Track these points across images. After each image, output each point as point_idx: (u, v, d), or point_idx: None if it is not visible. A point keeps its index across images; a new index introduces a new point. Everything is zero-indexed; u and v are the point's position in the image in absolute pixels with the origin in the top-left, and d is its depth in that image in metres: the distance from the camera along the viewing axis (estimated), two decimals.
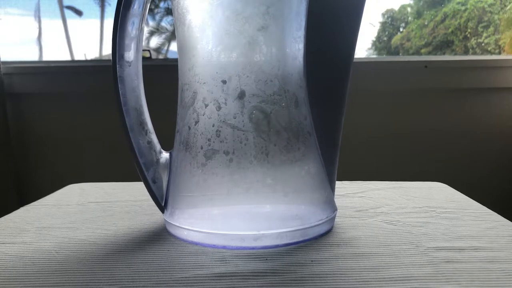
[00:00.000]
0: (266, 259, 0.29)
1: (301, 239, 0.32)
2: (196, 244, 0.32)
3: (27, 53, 1.24)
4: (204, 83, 0.31)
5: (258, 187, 0.31)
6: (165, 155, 0.35)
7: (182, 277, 0.26)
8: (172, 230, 0.34)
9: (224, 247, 0.31)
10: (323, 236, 0.33)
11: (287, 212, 0.32)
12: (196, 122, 0.32)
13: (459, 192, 0.47)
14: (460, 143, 1.08)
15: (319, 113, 0.34)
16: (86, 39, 1.34)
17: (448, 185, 0.51)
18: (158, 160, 0.35)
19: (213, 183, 0.31)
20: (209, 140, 0.31)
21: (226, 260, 0.29)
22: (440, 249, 0.30)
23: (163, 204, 0.35)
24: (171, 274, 0.27)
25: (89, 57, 1.32)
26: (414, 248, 0.30)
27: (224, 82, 0.30)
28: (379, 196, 0.46)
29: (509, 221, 0.36)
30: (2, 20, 1.19)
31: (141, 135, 0.34)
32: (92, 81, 1.07)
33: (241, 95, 0.30)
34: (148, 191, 0.34)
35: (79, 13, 1.33)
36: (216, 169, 0.31)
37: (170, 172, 0.35)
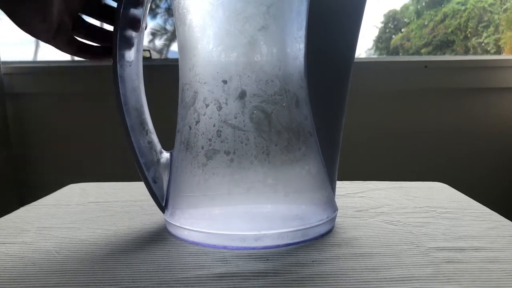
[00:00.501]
0: (267, 259, 0.29)
1: (302, 239, 0.32)
2: (197, 244, 0.32)
3: (27, 53, 1.24)
4: (205, 83, 0.31)
5: (259, 187, 0.31)
6: (165, 155, 0.35)
7: (183, 277, 0.26)
8: (172, 230, 0.34)
9: (225, 247, 0.31)
10: (324, 236, 0.33)
11: (288, 212, 0.32)
12: (197, 122, 0.32)
13: (459, 192, 0.47)
14: (460, 143, 1.08)
15: (320, 113, 0.34)
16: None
17: (448, 185, 0.51)
18: (158, 160, 0.35)
19: (214, 183, 0.31)
20: (210, 140, 0.31)
21: (227, 260, 0.29)
22: (441, 249, 0.30)
23: (163, 204, 0.35)
24: (172, 274, 0.27)
25: None
26: (415, 248, 0.30)
27: (225, 82, 0.30)
28: (379, 196, 0.46)
29: (510, 221, 0.36)
30: (2, 20, 1.19)
31: (141, 135, 0.34)
32: (92, 81, 1.07)
33: (242, 95, 0.30)
34: (149, 191, 0.34)
35: None
36: (217, 169, 0.31)
37: (170, 172, 0.35)
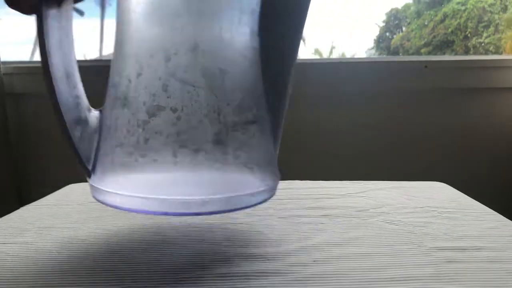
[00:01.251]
0: (268, 259, 0.29)
1: (249, 204, 0.29)
2: (133, 211, 0.28)
3: (27, 53, 1.24)
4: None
5: (208, 149, 0.27)
6: (94, 113, 0.31)
7: (184, 277, 0.26)
8: (100, 197, 0.29)
9: (165, 214, 0.27)
10: (322, 235, 0.33)
11: (236, 176, 0.29)
12: (139, 75, 0.28)
13: (460, 192, 0.47)
14: (460, 143, 1.08)
15: (270, 73, 0.31)
16: (86, 39, 1.34)
17: (449, 185, 0.51)
18: (86, 117, 0.30)
19: (157, 143, 0.27)
20: (153, 95, 0.27)
21: (229, 260, 0.29)
22: (442, 249, 0.30)
23: (90, 168, 0.30)
24: (174, 274, 0.27)
25: (89, 57, 1.31)
26: (416, 248, 0.30)
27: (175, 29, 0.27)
28: (380, 196, 0.46)
29: (511, 221, 0.36)
30: (2, 20, 1.19)
31: (67, 88, 0.29)
32: (92, 81, 1.07)
33: (195, 47, 0.27)
34: (73, 152, 0.30)
35: (80, 13, 1.32)
36: (160, 127, 0.27)
37: (101, 132, 0.30)
